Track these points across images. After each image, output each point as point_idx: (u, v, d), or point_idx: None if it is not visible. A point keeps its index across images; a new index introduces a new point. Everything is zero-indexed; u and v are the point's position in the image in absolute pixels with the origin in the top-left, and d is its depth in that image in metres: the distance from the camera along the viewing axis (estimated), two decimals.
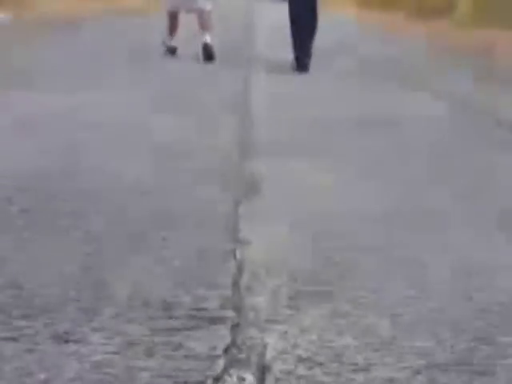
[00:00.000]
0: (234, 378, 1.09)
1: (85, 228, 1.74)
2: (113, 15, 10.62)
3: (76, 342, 1.18)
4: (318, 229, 1.85)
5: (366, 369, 1.14)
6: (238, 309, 1.35)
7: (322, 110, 3.71)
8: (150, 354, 1.15)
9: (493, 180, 2.47)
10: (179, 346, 1.19)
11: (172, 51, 6.00)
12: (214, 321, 1.29)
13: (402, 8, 12.33)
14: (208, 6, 5.96)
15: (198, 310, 1.33)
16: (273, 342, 1.21)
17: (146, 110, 3.42)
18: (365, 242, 1.77)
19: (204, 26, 5.90)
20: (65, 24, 8.27)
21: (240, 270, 1.54)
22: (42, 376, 1.06)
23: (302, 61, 5.49)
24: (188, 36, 6.26)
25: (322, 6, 5.98)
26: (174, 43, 6.05)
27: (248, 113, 3.61)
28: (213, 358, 1.15)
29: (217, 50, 5.82)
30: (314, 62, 5.48)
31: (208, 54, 5.72)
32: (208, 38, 5.80)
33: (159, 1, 7.65)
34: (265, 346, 1.19)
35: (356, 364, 1.15)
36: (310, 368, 1.13)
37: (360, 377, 1.11)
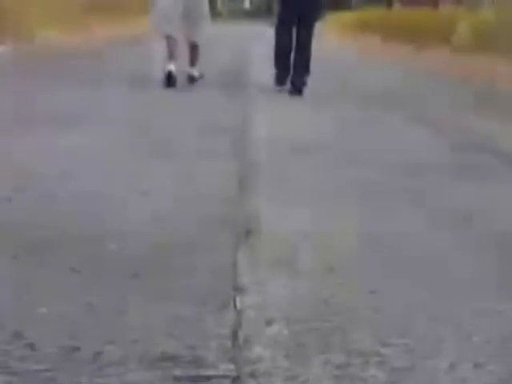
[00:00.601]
0: None
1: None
2: (114, 43, 10.75)
3: None
4: (319, 278, 1.80)
5: None
6: (237, 361, 1.33)
7: (318, 143, 3.71)
8: None
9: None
10: None
11: (169, 78, 5.74)
12: (213, 374, 1.27)
13: (399, 36, 12.47)
14: (202, 40, 6.07)
15: (196, 362, 1.31)
16: None
17: (137, 152, 3.36)
18: (366, 287, 1.76)
19: (194, 60, 6.08)
20: (63, 55, 8.35)
21: (239, 319, 1.52)
22: None
23: (281, 76, 5.91)
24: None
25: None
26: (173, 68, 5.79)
27: (247, 145, 3.56)
28: None
29: (213, 76, 6.04)
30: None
31: (193, 82, 6.01)
32: (195, 72, 6.08)
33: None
34: None
35: None
36: None
37: None
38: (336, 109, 5.33)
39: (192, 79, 6.06)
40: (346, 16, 20.57)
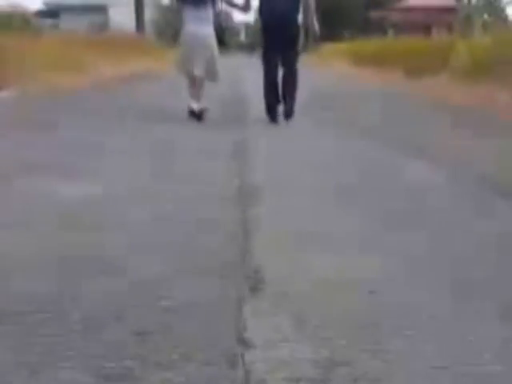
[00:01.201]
0: None
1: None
2: (115, 83, 10.82)
3: None
4: (327, 333, 1.72)
5: None
6: None
7: (317, 177, 3.68)
8: None
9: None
10: None
11: (194, 114, 6.29)
12: None
13: (399, 65, 12.55)
14: (217, 78, 6.52)
15: None
16: None
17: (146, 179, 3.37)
18: (368, 343, 1.69)
19: (200, 95, 6.47)
20: (68, 96, 8.41)
21: (247, 377, 1.45)
22: None
23: (271, 114, 6.31)
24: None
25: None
26: (196, 105, 6.33)
27: (250, 183, 3.49)
28: None
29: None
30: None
31: (198, 117, 6.29)
32: (201, 106, 6.41)
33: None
34: None
35: None
36: None
37: None
38: (334, 139, 5.32)
39: (192, 113, 6.36)
40: (341, 46, 20.74)
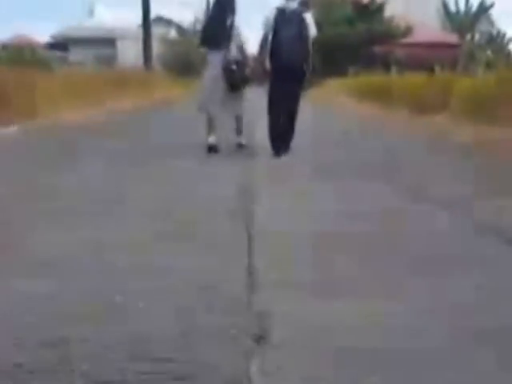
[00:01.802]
0: None
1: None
2: (114, 118, 10.99)
3: None
4: None
5: None
6: None
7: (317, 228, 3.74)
8: None
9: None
10: None
11: (212, 149, 6.73)
12: None
13: (400, 103, 12.71)
14: (243, 111, 7.02)
15: None
16: None
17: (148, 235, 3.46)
18: None
19: (240, 130, 7.09)
20: (73, 132, 8.55)
21: None
22: None
23: (275, 149, 6.77)
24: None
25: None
26: (213, 141, 6.78)
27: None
28: None
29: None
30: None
31: (242, 148, 6.96)
32: (243, 140, 7.09)
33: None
34: None
35: None
36: None
37: None
38: (336, 179, 5.36)
39: (240, 146, 7.05)
40: (345, 82, 20.97)
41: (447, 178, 5.48)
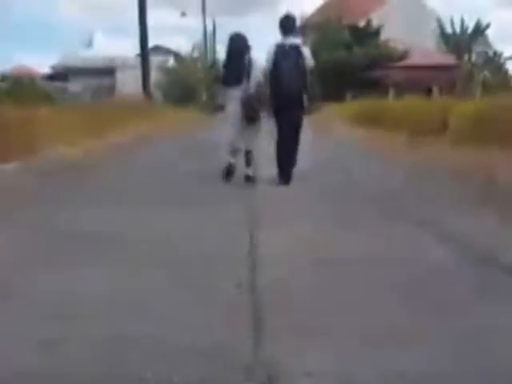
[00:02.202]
0: None
1: None
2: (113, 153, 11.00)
3: None
4: None
5: None
6: None
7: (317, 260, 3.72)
8: None
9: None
10: None
11: (247, 178, 7.39)
12: None
13: (399, 128, 12.72)
14: (255, 146, 7.54)
15: None
16: None
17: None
18: None
19: (249, 162, 7.48)
20: (74, 170, 8.51)
21: None
22: None
23: (282, 176, 7.23)
24: None
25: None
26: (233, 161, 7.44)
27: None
28: None
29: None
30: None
31: (248, 179, 7.36)
32: (250, 172, 7.46)
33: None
34: None
35: None
36: None
37: None
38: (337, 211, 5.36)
39: (248, 178, 7.42)
40: (343, 107, 21.03)
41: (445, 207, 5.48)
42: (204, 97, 37.95)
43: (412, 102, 13.62)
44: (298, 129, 7.36)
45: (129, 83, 33.41)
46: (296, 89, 7.08)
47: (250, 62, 7.29)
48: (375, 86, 30.29)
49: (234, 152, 7.46)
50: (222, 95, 7.93)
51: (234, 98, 7.33)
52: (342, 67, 30.42)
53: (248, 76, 7.22)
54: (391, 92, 31.49)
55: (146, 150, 12.49)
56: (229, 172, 7.39)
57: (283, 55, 7.02)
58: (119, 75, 37.16)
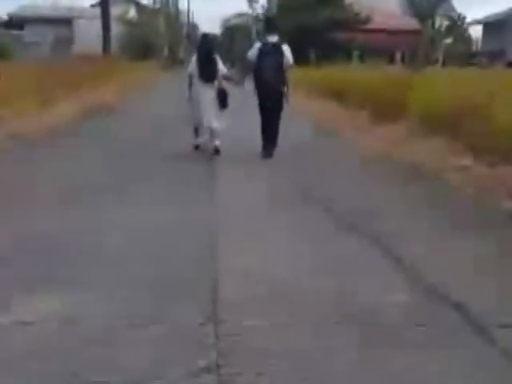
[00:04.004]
0: None
1: None
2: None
3: None
4: None
5: None
6: None
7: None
8: None
9: None
10: None
11: (197, 147, 8.90)
12: None
13: (359, 104, 12.72)
14: (222, 127, 8.71)
15: None
16: None
17: None
18: None
19: (215, 136, 8.71)
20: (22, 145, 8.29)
21: None
22: None
23: (265, 151, 8.47)
24: None
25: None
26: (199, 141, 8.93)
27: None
28: None
29: None
30: None
31: (216, 152, 8.60)
32: (218, 143, 8.67)
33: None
34: None
35: None
36: None
37: None
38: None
39: (217, 150, 8.65)
40: (307, 74, 20.80)
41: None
42: (165, 51, 37.31)
43: (373, 79, 13.53)
44: (278, 112, 8.54)
45: (87, 35, 32.50)
46: (276, 79, 8.29)
47: (215, 60, 8.61)
48: (339, 49, 30.15)
49: (205, 132, 8.84)
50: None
51: (207, 91, 8.59)
52: (306, 28, 30.10)
53: (216, 73, 8.59)
54: (355, 55, 31.38)
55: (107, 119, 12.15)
56: (197, 148, 8.90)
57: (266, 51, 8.30)
58: (76, 26, 36.09)
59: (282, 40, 8.63)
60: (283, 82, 8.35)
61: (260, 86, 8.40)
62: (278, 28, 9.08)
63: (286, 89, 8.39)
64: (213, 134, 8.76)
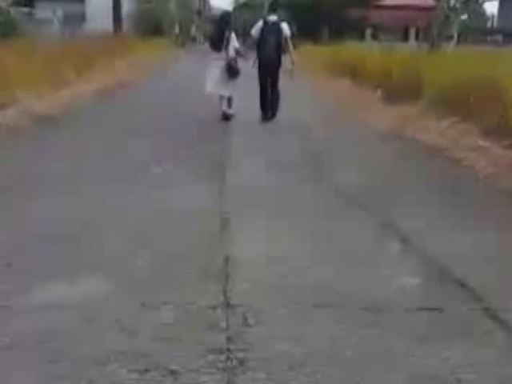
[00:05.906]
0: None
1: None
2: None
3: None
4: None
5: None
6: None
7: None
8: None
9: None
10: None
11: (226, 117, 10.00)
12: None
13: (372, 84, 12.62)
14: (235, 93, 10.03)
15: None
16: None
17: None
18: None
19: (231, 104, 10.08)
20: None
21: None
22: None
23: (264, 117, 9.99)
24: None
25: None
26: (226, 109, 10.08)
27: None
28: None
29: None
30: None
31: (227, 118, 9.96)
32: (231, 110, 10.08)
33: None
34: None
35: None
36: None
37: None
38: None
39: (230, 116, 9.99)
40: (319, 51, 20.68)
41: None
42: (176, 29, 37.08)
43: (385, 59, 13.39)
44: (276, 82, 9.93)
45: (98, 12, 32.33)
46: (275, 53, 9.78)
47: (229, 37, 9.74)
48: (352, 26, 29.82)
49: (224, 104, 10.01)
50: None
51: (216, 60, 9.70)
52: (319, 5, 29.80)
53: (227, 46, 9.71)
54: (368, 33, 31.03)
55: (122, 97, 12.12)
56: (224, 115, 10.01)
57: (267, 29, 9.73)
58: (88, 3, 35.89)
59: (281, 19, 10.07)
60: (280, 55, 9.79)
61: (261, 58, 9.82)
62: (279, 9, 11.12)
63: (290, 65, 9.90)
64: (225, 101, 10.04)
